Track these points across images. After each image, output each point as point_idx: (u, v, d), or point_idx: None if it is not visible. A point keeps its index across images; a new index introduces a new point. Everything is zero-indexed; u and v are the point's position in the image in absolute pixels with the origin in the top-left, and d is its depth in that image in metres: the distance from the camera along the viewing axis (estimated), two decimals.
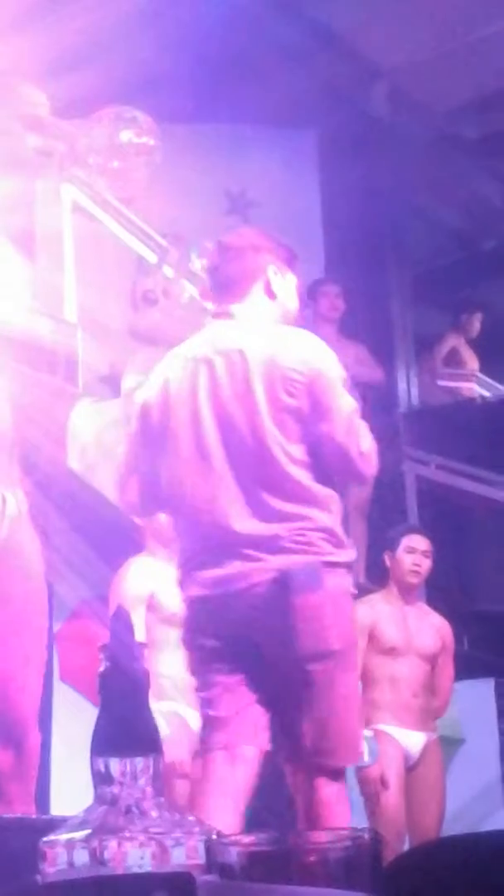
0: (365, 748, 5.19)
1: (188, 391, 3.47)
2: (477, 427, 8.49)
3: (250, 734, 3.37)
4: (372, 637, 5.26)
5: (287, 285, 3.62)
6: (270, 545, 3.33)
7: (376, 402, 7.94)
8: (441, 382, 9.31)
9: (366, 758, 5.15)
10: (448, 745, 6.03)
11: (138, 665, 1.65)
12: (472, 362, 9.54)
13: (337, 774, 3.33)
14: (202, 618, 3.42)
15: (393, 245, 9.10)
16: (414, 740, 5.28)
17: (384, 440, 7.94)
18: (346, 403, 3.39)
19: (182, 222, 7.23)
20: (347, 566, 3.40)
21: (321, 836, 1.50)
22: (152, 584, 4.98)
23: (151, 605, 4.96)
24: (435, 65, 8.19)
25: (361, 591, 5.87)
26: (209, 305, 6.67)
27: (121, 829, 1.57)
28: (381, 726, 5.22)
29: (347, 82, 8.34)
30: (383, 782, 5.14)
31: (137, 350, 6.83)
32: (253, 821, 5.74)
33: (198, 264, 6.46)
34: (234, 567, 3.34)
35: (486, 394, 9.31)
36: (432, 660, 5.37)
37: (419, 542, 5.49)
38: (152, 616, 4.93)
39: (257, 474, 3.37)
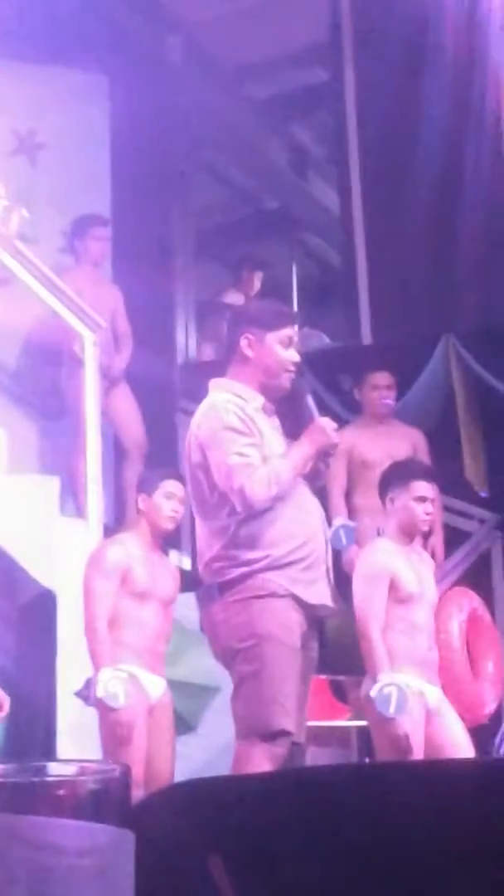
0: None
1: None
2: None
3: None
4: (124, 580, 5.20)
5: (264, 346, 4.18)
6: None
7: (152, 353, 7.97)
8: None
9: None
10: (203, 693, 6.12)
11: None
12: None
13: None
14: None
15: (180, 197, 9.10)
16: (156, 684, 5.28)
17: (158, 391, 8.04)
18: (224, 451, 4.00)
19: None
20: (244, 577, 4.00)
21: (70, 769, 1.55)
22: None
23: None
24: (229, 23, 8.24)
25: (110, 534, 5.95)
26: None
27: None
28: (127, 667, 5.17)
29: (143, 31, 8.31)
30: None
31: None
32: (5, 752, 5.72)
33: None
34: None
35: None
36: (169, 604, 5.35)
37: (177, 487, 5.37)
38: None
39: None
